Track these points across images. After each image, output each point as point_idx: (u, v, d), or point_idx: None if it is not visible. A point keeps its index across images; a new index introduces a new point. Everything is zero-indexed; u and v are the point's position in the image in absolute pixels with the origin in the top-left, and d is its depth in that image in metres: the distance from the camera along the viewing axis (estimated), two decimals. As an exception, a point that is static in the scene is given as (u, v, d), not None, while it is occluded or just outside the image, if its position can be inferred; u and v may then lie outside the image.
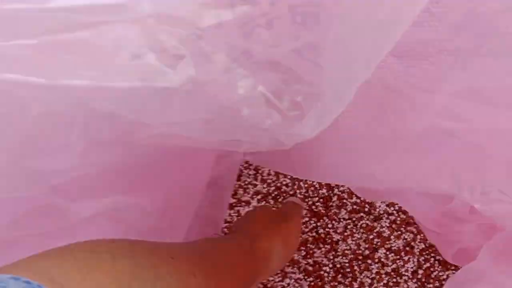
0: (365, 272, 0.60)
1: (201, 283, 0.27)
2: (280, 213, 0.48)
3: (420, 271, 0.57)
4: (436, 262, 0.57)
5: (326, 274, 0.60)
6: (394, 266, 0.59)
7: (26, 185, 0.28)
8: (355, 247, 0.60)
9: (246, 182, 0.64)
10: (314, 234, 0.62)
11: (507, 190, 0.32)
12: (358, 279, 0.60)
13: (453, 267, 0.56)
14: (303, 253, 0.61)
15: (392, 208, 0.61)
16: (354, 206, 0.61)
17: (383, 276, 0.59)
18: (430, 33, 0.27)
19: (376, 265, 0.60)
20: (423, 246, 0.58)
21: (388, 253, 0.60)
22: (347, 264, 0.60)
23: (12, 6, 0.21)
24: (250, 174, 0.64)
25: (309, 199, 0.63)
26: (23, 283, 0.20)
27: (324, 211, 0.62)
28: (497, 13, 0.25)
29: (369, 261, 0.60)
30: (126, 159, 0.33)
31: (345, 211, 0.62)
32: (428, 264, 0.57)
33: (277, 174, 0.64)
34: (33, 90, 0.23)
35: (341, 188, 0.62)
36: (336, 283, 0.60)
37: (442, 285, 0.56)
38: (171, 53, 0.24)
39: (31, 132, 0.26)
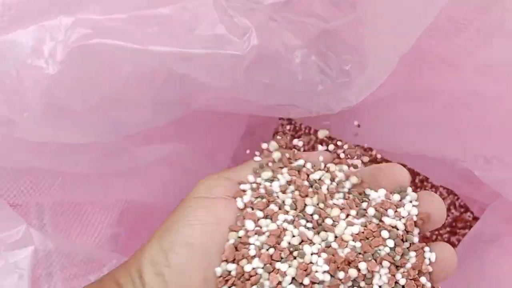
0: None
1: None
2: None
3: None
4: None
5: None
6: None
7: (108, 133, 0.33)
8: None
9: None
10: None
11: (508, 159, 0.36)
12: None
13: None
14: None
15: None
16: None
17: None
18: (458, 11, 0.31)
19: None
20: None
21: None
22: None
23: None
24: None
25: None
26: None
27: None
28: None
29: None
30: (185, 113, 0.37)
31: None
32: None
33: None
34: (125, 54, 0.28)
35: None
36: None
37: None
38: (239, 25, 0.28)
39: (117, 89, 0.30)
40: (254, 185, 0.33)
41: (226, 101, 0.34)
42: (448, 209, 0.59)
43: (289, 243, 0.30)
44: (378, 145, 0.43)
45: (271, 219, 0.31)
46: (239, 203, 0.32)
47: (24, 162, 0.34)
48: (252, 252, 0.30)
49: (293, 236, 0.30)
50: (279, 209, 0.32)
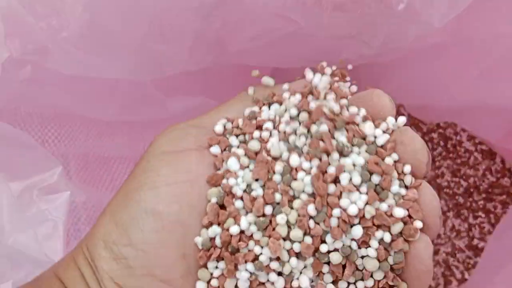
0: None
1: None
2: None
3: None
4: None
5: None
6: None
7: (143, 69, 0.31)
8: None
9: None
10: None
11: None
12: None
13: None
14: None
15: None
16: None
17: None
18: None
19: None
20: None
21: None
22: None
23: None
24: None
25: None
26: None
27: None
28: None
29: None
30: (214, 64, 0.35)
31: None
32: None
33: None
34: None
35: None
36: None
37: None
38: None
39: (158, 20, 0.28)
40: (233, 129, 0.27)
41: (264, 48, 0.31)
42: (484, 175, 0.57)
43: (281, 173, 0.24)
44: (425, 97, 0.41)
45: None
46: (214, 149, 0.26)
47: (51, 105, 0.32)
48: (239, 201, 0.24)
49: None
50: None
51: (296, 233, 0.23)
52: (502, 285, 0.40)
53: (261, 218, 0.23)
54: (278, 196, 0.24)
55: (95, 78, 0.29)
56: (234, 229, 0.23)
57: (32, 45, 0.26)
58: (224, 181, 0.24)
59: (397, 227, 0.24)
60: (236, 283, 0.24)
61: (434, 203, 0.24)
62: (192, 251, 0.24)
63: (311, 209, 0.23)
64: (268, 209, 0.24)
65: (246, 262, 0.23)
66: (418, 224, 0.24)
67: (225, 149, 0.26)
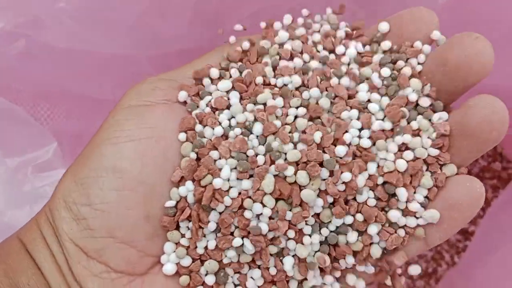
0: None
1: None
2: None
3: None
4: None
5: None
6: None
7: (141, 43, 0.30)
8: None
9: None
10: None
11: None
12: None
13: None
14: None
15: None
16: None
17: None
18: None
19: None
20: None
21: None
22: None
23: None
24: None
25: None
26: None
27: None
28: None
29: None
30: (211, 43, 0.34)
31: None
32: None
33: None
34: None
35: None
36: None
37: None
38: None
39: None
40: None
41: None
42: (476, 160, 0.57)
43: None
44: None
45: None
46: (182, 95, 0.23)
47: (44, 82, 0.31)
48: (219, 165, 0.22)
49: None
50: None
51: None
52: (493, 268, 0.41)
53: (243, 161, 0.22)
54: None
55: (90, 54, 0.28)
56: (218, 182, 0.22)
57: (25, 17, 0.25)
58: (198, 127, 0.23)
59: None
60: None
61: None
62: (158, 212, 0.22)
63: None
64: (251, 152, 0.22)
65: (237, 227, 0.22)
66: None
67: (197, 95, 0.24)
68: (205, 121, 0.23)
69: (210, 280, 0.23)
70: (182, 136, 0.23)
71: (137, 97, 0.23)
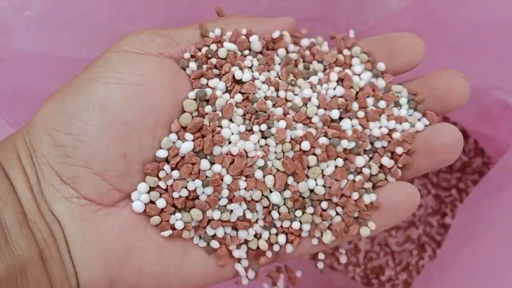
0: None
1: None
2: None
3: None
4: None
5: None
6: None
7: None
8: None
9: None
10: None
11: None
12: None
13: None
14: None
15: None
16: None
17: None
18: None
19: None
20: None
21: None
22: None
23: None
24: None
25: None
26: None
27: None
28: None
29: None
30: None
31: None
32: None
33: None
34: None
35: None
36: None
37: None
38: None
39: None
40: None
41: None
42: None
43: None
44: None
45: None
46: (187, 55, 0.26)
47: (21, 86, 0.32)
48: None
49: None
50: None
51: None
52: (468, 261, 0.41)
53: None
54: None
55: (62, 60, 0.28)
56: (226, 132, 0.25)
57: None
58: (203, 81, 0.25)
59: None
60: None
61: None
62: (134, 153, 0.24)
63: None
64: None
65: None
66: None
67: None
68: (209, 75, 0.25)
69: (179, 225, 0.25)
70: (192, 94, 0.25)
71: (133, 44, 0.24)
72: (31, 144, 0.23)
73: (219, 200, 0.25)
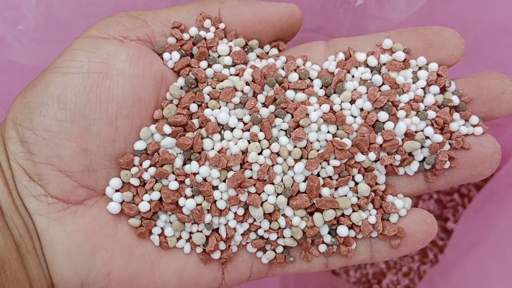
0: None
1: None
2: None
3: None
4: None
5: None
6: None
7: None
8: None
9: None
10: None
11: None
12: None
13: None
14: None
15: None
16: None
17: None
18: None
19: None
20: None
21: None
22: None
23: None
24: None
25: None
26: None
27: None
28: None
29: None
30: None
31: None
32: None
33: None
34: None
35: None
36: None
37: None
38: None
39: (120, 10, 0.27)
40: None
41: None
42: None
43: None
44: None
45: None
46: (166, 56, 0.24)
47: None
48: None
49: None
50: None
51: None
52: (469, 268, 0.41)
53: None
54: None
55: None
56: (223, 116, 0.23)
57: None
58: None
59: None
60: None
61: None
62: (95, 147, 0.22)
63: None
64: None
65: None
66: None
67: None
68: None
69: (158, 231, 0.24)
70: (181, 81, 0.24)
71: (99, 28, 0.23)
72: (4, 139, 0.22)
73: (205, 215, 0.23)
